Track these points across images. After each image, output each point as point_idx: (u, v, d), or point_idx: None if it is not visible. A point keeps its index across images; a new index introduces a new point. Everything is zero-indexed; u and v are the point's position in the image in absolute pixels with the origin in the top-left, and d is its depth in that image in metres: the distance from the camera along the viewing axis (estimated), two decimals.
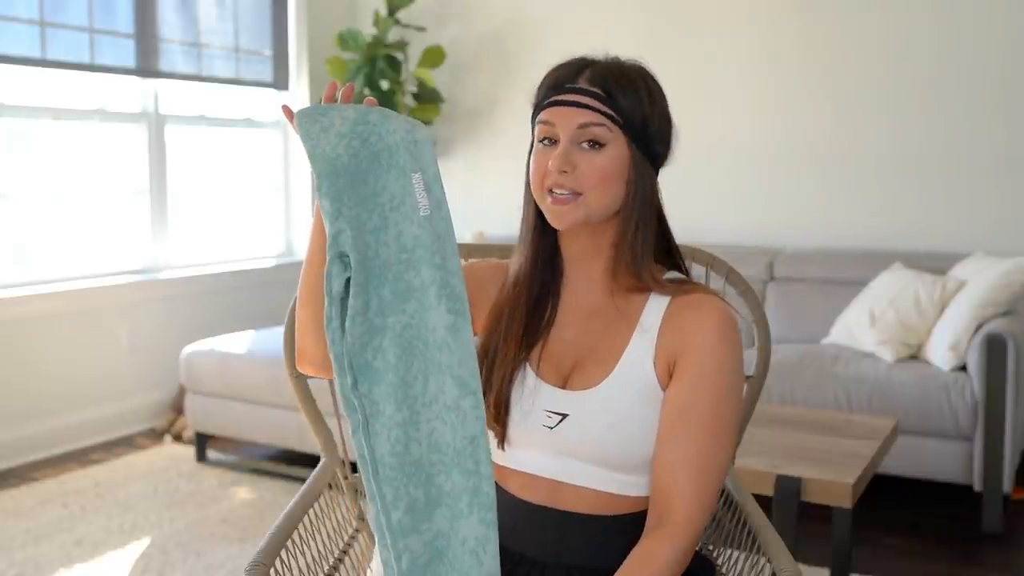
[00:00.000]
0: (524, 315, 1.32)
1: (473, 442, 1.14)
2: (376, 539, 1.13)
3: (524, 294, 1.33)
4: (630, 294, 1.30)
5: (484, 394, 1.30)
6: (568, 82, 1.26)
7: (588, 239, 1.30)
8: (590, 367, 1.29)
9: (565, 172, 1.23)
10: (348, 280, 1.13)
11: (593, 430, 1.25)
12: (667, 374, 1.27)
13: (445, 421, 1.13)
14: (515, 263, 1.36)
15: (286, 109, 1.25)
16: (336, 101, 1.19)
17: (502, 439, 1.31)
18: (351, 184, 1.15)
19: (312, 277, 1.27)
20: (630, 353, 1.27)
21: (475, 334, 1.43)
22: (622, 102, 1.23)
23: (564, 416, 1.27)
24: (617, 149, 1.24)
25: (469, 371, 1.15)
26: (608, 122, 1.23)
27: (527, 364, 1.31)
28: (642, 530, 1.28)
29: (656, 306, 1.29)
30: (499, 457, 1.34)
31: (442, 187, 1.18)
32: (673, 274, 1.34)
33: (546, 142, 1.27)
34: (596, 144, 1.24)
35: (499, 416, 1.29)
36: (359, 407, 1.12)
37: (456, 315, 1.15)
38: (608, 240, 1.30)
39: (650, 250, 1.29)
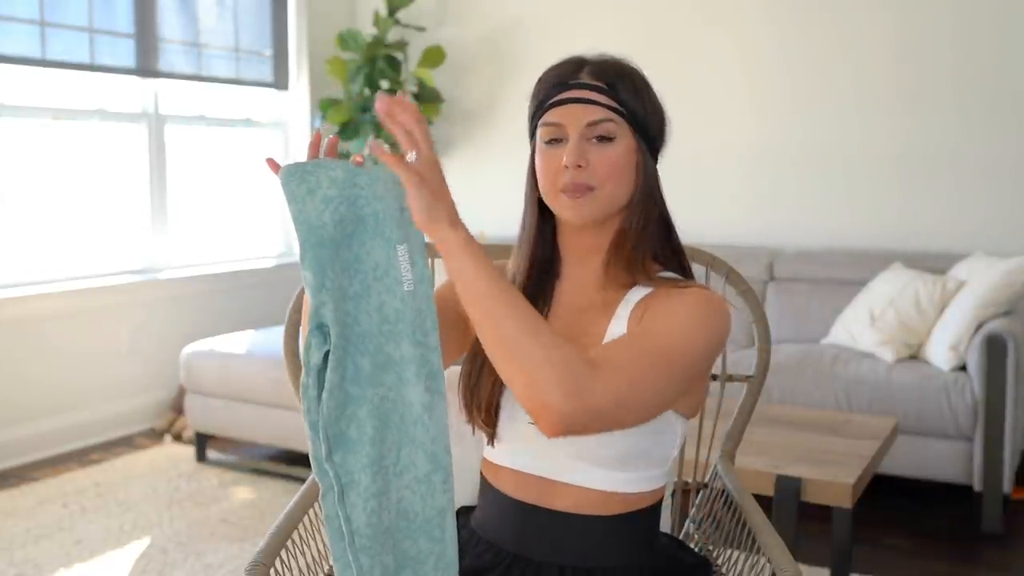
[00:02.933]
0: None
1: (441, 513, 1.17)
2: None
3: None
4: (620, 289, 1.29)
5: (472, 395, 1.31)
6: (570, 78, 1.26)
7: (591, 237, 1.30)
8: None
9: (580, 167, 1.23)
10: (327, 352, 1.12)
11: None
12: None
13: (415, 492, 1.16)
14: (512, 267, 1.36)
15: (271, 162, 1.17)
16: (321, 153, 1.16)
17: (492, 438, 1.32)
18: (335, 252, 1.12)
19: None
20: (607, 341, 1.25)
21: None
22: (624, 95, 1.25)
23: None
24: (625, 141, 1.25)
25: (442, 447, 1.16)
26: (615, 116, 1.24)
27: None
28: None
29: (636, 296, 1.27)
30: (490, 454, 1.35)
31: (426, 259, 1.17)
32: (669, 273, 1.32)
33: (553, 142, 1.26)
34: (606, 138, 1.24)
35: (489, 418, 1.30)
36: (334, 476, 1.12)
37: (433, 393, 1.15)
38: (609, 237, 1.30)
39: (649, 246, 1.29)
